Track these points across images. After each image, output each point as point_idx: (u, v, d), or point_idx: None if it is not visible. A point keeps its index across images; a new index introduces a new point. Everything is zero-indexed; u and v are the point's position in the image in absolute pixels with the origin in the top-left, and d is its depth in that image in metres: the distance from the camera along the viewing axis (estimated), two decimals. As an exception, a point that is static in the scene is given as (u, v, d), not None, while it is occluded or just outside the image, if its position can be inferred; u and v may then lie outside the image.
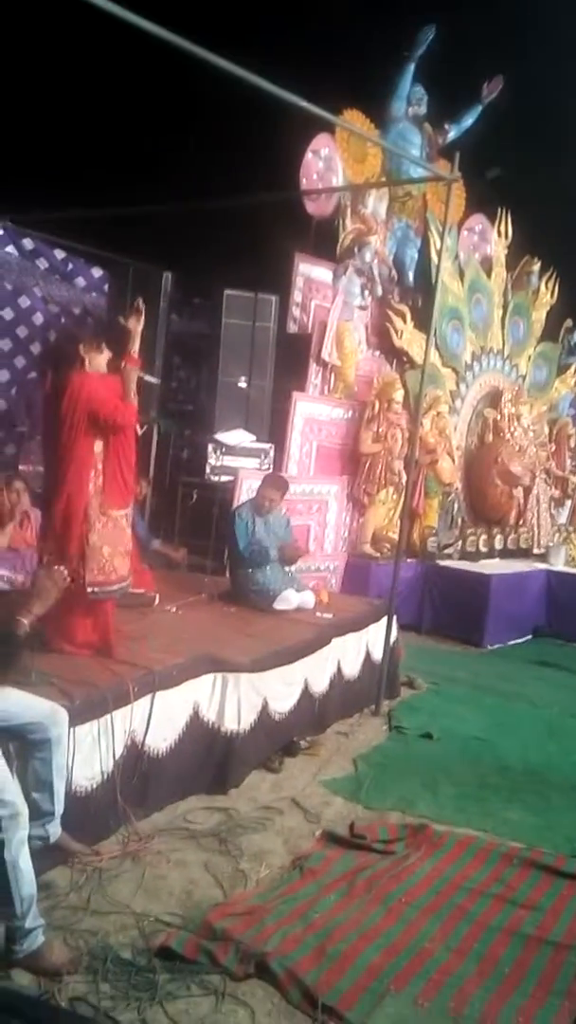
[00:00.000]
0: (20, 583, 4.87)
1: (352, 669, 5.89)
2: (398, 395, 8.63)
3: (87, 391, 4.12)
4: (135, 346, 4.31)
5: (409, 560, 8.42)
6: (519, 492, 10.53)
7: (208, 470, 7.44)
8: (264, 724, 4.69)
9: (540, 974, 3.13)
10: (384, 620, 6.15)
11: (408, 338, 9.17)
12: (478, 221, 10.76)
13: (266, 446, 7.66)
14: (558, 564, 10.36)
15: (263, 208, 7.23)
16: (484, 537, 10.05)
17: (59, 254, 7.55)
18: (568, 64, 9.53)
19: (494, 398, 10.57)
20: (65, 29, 6.73)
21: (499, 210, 10.77)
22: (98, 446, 4.20)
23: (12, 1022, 2.52)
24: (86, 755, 3.61)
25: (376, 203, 9.15)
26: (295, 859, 3.81)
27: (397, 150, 8.33)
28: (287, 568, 6.15)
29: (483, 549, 9.96)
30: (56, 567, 3.33)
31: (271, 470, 7.39)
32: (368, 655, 6.12)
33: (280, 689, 4.90)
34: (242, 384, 7.75)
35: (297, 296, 8.30)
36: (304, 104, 4.41)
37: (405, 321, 9.18)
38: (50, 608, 3.21)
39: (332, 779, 4.78)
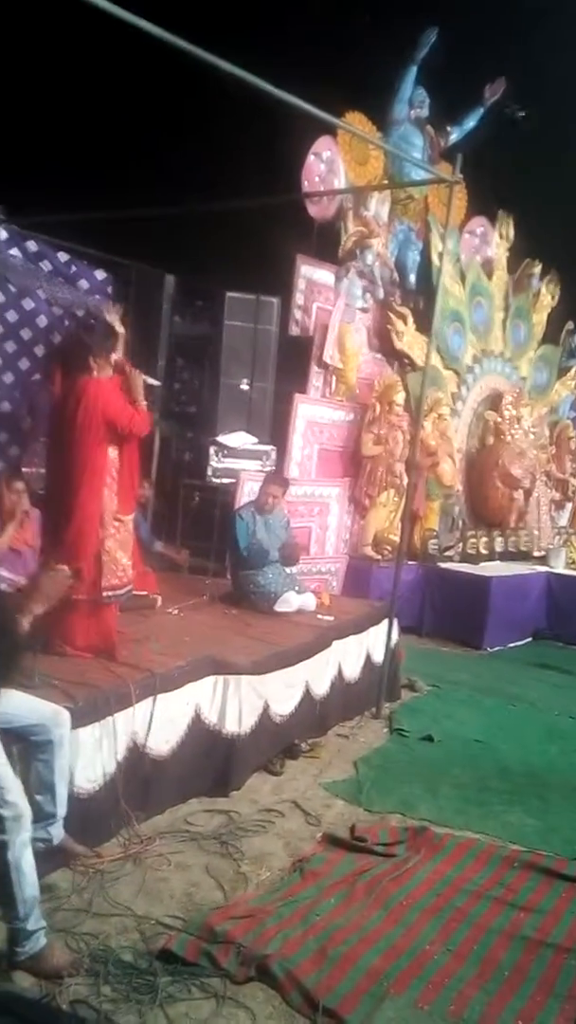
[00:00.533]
0: (20, 584, 4.88)
1: (353, 671, 5.90)
2: (399, 397, 8.64)
3: (103, 399, 4.15)
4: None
5: (410, 562, 8.42)
6: (520, 495, 10.53)
7: (210, 472, 7.45)
8: (265, 726, 4.70)
9: (540, 977, 3.14)
10: (385, 622, 6.16)
11: (409, 340, 9.18)
12: (479, 224, 10.77)
13: (268, 448, 7.67)
14: (558, 567, 10.36)
15: (265, 210, 7.23)
16: (484, 539, 10.06)
17: (63, 257, 7.54)
18: (570, 65, 9.53)
19: (495, 400, 10.58)
20: (68, 31, 6.74)
21: (500, 213, 10.80)
22: (112, 452, 4.24)
23: (14, 1024, 2.53)
24: (88, 757, 3.62)
25: (378, 206, 9.15)
26: (296, 861, 3.82)
27: (399, 152, 8.33)
28: (288, 570, 6.16)
29: (484, 551, 9.97)
30: (58, 567, 3.34)
31: (273, 472, 7.40)
32: (369, 657, 6.13)
33: (281, 691, 4.91)
34: (244, 386, 7.76)
35: (299, 298, 8.31)
36: (306, 106, 4.42)
37: (406, 323, 9.19)
38: (51, 609, 3.22)
39: (333, 782, 4.79)
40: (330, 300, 8.45)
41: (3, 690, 3.14)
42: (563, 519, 12.06)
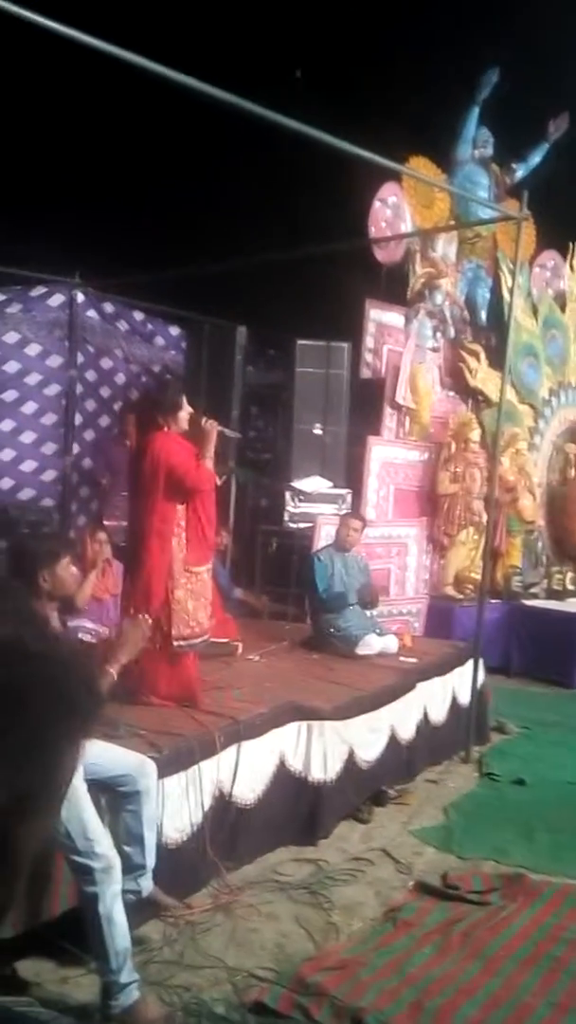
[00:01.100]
0: (104, 634, 4.97)
1: (439, 714, 5.80)
2: (475, 434, 8.58)
3: (166, 453, 4.23)
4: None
5: (493, 601, 8.27)
6: (604, 528, 10.27)
7: (287, 517, 7.50)
8: (351, 773, 4.65)
9: None
10: (470, 663, 6.06)
11: (483, 377, 9.12)
12: (550, 257, 10.70)
13: (343, 491, 7.69)
14: None
15: (333, 257, 7.34)
16: (571, 575, 9.83)
17: (138, 315, 7.79)
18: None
19: (574, 432, 10.42)
20: (133, 97, 7.00)
21: (572, 245, 10.72)
22: (180, 505, 4.31)
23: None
24: (175, 807, 3.64)
25: (445, 246, 9.19)
26: (388, 910, 3.75)
27: (464, 193, 8.36)
28: (368, 612, 6.12)
29: (570, 587, 9.73)
30: (140, 616, 3.39)
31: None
32: (455, 699, 6.02)
33: (366, 736, 4.86)
34: (317, 431, 7.82)
35: (369, 342, 8.36)
36: (370, 155, 4.49)
37: (479, 360, 9.14)
38: (135, 659, 3.26)
39: (423, 828, 4.70)
40: (400, 342, 8.48)
41: (89, 741, 3.19)
42: None
